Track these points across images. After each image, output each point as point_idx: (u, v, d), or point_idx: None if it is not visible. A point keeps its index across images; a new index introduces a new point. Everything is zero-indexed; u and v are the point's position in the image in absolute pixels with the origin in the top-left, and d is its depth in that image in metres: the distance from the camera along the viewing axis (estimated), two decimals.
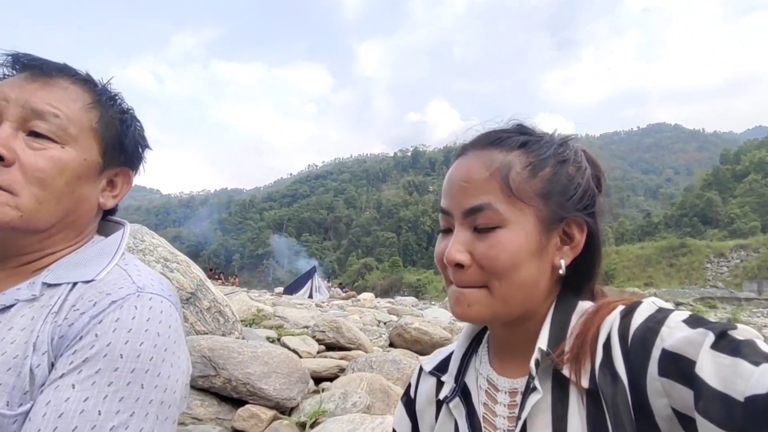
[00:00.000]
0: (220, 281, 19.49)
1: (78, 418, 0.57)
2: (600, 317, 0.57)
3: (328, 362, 3.65)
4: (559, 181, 0.60)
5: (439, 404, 0.71)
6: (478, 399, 0.66)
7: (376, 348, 4.71)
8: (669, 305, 0.54)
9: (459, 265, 0.59)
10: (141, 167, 0.83)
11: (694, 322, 0.49)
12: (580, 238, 0.61)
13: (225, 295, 5.48)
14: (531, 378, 0.56)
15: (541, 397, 0.56)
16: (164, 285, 0.74)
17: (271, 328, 4.75)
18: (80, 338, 0.62)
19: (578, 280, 0.64)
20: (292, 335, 4.39)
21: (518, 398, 0.61)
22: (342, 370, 3.59)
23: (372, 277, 74.23)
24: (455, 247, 0.59)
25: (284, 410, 2.67)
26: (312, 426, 2.40)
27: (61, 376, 0.60)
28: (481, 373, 0.68)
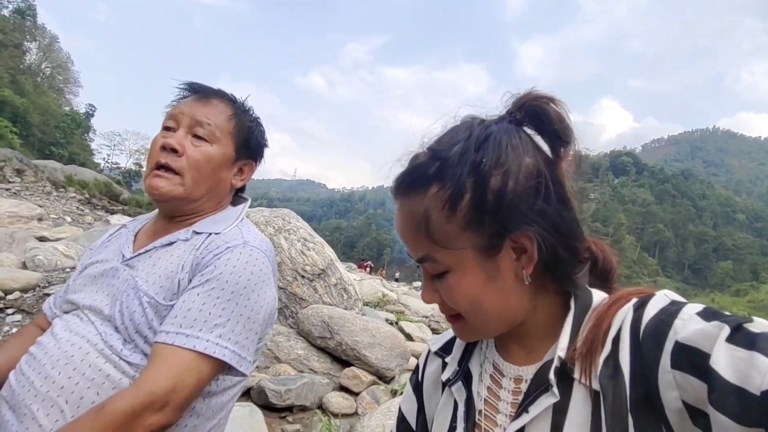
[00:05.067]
0: (366, 270, 20.95)
1: (197, 313, 0.87)
2: (614, 310, 0.55)
3: None
4: (482, 204, 0.53)
5: (444, 385, 0.71)
6: (481, 383, 0.66)
7: None
8: (682, 298, 0.53)
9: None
10: (262, 159, 1.17)
11: (708, 314, 0.47)
12: (531, 247, 0.55)
13: (358, 280, 6.14)
14: (549, 385, 0.55)
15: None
16: (263, 242, 1.02)
17: (392, 312, 5.20)
18: (206, 266, 0.92)
19: (563, 270, 0.59)
20: (410, 321, 4.77)
21: (522, 386, 0.61)
22: None
23: None
24: (426, 290, 0.63)
25: (383, 378, 3.05)
26: (401, 394, 2.73)
27: (193, 287, 0.90)
28: (488, 357, 0.68)
